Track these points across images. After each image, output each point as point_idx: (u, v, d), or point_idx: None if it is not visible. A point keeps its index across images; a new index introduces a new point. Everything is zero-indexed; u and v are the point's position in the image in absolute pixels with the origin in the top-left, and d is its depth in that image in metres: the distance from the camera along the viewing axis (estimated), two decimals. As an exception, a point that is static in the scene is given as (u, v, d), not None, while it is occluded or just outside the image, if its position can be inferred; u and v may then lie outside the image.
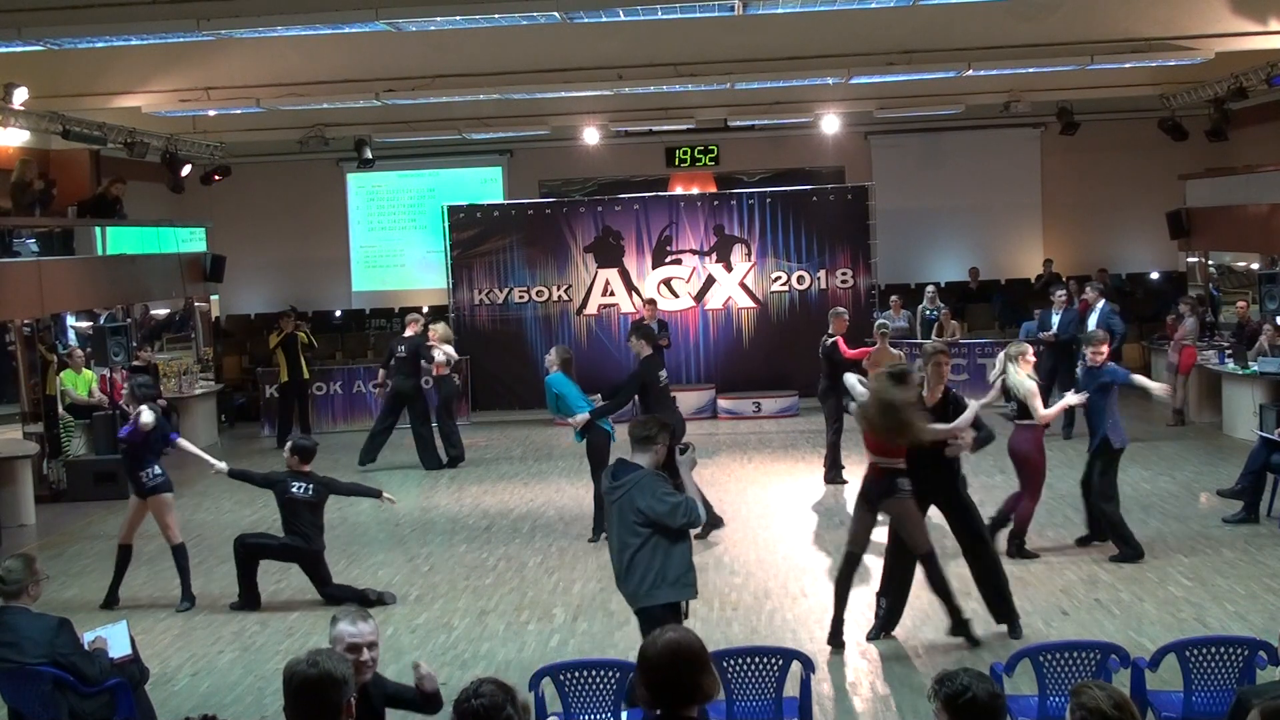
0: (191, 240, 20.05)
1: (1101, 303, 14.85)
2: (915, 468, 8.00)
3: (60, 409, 14.95)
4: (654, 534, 6.44)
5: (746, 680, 6.08)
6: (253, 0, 10.60)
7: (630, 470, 6.57)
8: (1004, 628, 8.23)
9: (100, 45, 11.98)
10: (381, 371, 15.67)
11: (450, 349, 15.47)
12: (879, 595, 8.42)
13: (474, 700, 3.80)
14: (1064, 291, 15.63)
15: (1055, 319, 15.21)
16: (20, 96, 13.27)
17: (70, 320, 16.28)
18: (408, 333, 15.40)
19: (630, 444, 6.71)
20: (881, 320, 14.64)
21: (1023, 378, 9.73)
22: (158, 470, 9.84)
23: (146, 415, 9.69)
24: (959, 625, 8.11)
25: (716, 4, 10.99)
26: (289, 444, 10.12)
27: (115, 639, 6.54)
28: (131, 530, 10.05)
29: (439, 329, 15.58)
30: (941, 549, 8.41)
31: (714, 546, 10.81)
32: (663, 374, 11.39)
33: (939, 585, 8.08)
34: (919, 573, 8.15)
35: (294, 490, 9.69)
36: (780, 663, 6.13)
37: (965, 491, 8.53)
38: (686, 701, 3.83)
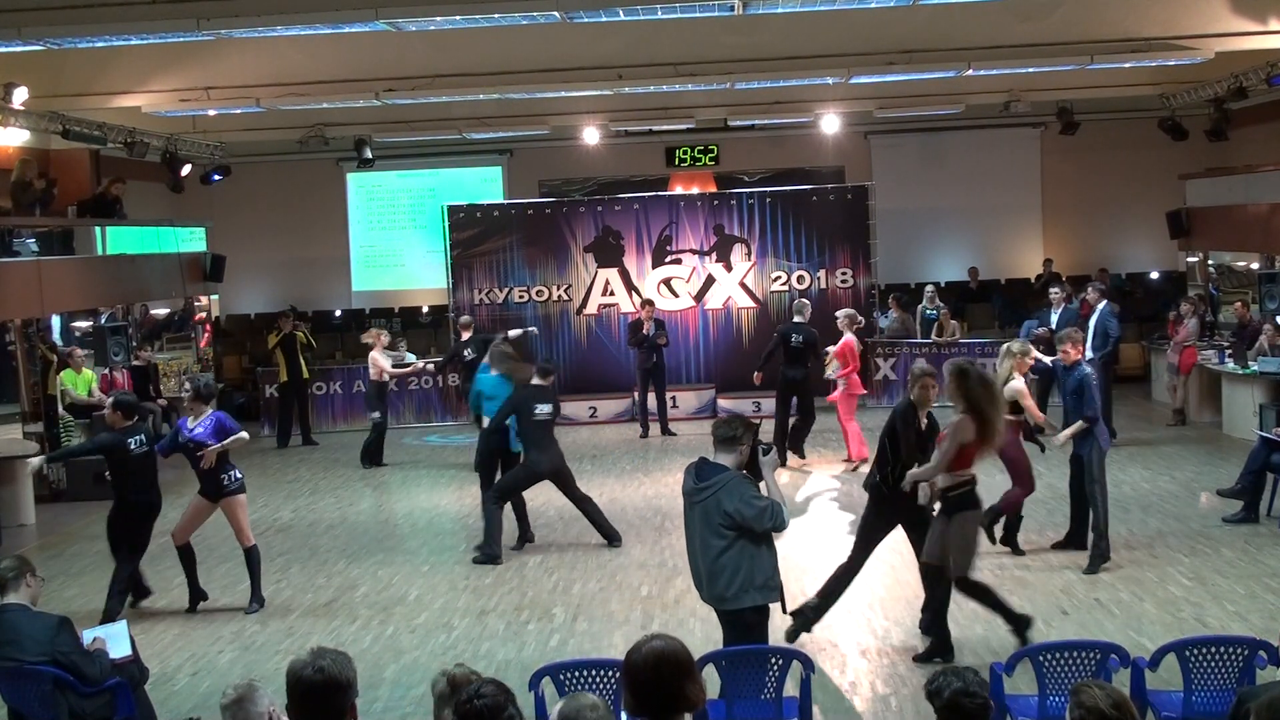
0: (191, 240, 20.05)
1: (1102, 303, 14.84)
2: (886, 479, 8.06)
3: (60, 409, 14.95)
4: (739, 536, 6.37)
5: (746, 680, 6.08)
6: (253, 0, 10.60)
7: (716, 471, 6.46)
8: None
9: (100, 45, 11.98)
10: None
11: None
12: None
13: (476, 701, 3.78)
14: (1059, 290, 15.66)
15: (1054, 317, 15.22)
16: (20, 96, 13.27)
17: (55, 320, 16.25)
18: (465, 336, 15.46)
19: (713, 443, 6.58)
20: (848, 310, 14.75)
21: (1014, 378, 9.85)
22: (238, 473, 9.74)
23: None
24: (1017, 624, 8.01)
25: (716, 4, 10.99)
26: (111, 400, 9.79)
27: (115, 639, 6.54)
28: (190, 531, 9.84)
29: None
30: (903, 561, 8.36)
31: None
32: (542, 408, 10.91)
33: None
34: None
35: (131, 446, 9.38)
36: (780, 663, 6.13)
37: (929, 512, 8.21)
38: (671, 711, 3.80)
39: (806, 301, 14.95)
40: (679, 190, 20.85)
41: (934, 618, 8.07)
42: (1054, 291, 15.57)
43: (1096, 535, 9.70)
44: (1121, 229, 21.21)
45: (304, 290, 21.84)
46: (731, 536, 6.38)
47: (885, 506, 8.19)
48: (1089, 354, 14.54)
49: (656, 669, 3.78)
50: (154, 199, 19.18)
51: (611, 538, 11.09)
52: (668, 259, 18.72)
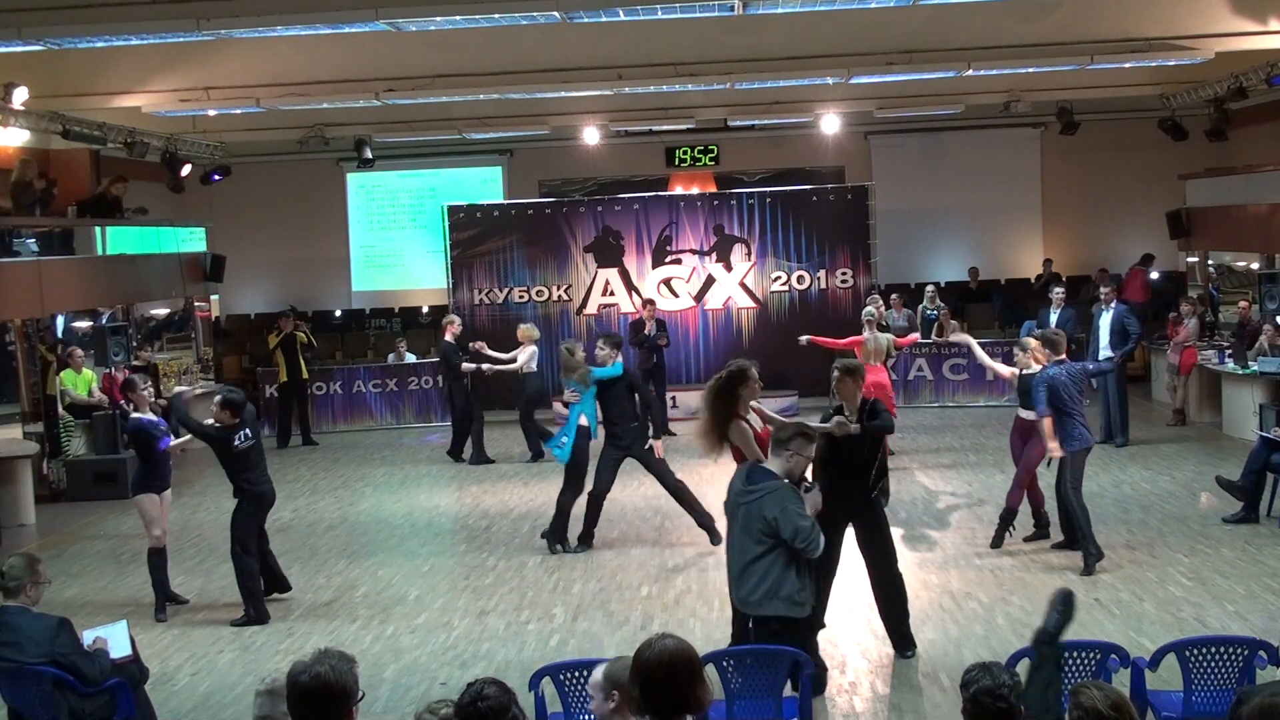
0: (191, 240, 20.05)
1: (1114, 303, 14.79)
2: (833, 478, 7.58)
3: (60, 409, 14.95)
4: (776, 547, 6.33)
5: (746, 680, 6.07)
6: (253, 0, 10.60)
7: (765, 477, 6.45)
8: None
9: (100, 45, 11.98)
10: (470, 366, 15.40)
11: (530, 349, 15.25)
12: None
13: (480, 704, 3.76)
14: (1062, 290, 15.62)
15: (1053, 317, 15.20)
16: (20, 96, 13.26)
17: (59, 320, 16.26)
18: (447, 336, 15.44)
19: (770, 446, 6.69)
20: (869, 309, 14.41)
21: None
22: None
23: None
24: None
25: (716, 4, 10.99)
26: (218, 398, 9.65)
27: (115, 639, 6.54)
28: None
29: (526, 329, 15.55)
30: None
31: (716, 546, 10.78)
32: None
33: None
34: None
35: (236, 443, 9.43)
36: (780, 663, 6.12)
37: (882, 509, 8.17)
38: (678, 711, 3.80)
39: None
40: (679, 190, 20.84)
41: (886, 613, 8.04)
42: (1057, 291, 15.52)
43: (1078, 537, 9.68)
44: (1121, 229, 21.20)
45: (304, 290, 21.84)
46: (768, 545, 6.34)
47: (836, 501, 7.62)
48: (1107, 352, 14.52)
49: (670, 668, 3.77)
50: (154, 199, 19.17)
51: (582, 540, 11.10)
52: (668, 259, 18.72)
